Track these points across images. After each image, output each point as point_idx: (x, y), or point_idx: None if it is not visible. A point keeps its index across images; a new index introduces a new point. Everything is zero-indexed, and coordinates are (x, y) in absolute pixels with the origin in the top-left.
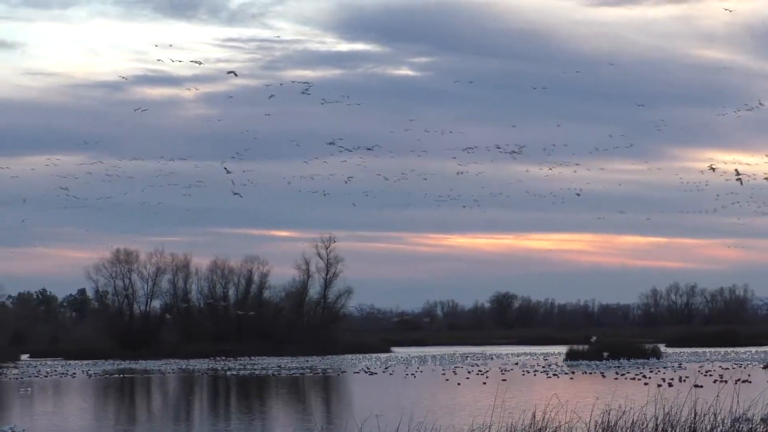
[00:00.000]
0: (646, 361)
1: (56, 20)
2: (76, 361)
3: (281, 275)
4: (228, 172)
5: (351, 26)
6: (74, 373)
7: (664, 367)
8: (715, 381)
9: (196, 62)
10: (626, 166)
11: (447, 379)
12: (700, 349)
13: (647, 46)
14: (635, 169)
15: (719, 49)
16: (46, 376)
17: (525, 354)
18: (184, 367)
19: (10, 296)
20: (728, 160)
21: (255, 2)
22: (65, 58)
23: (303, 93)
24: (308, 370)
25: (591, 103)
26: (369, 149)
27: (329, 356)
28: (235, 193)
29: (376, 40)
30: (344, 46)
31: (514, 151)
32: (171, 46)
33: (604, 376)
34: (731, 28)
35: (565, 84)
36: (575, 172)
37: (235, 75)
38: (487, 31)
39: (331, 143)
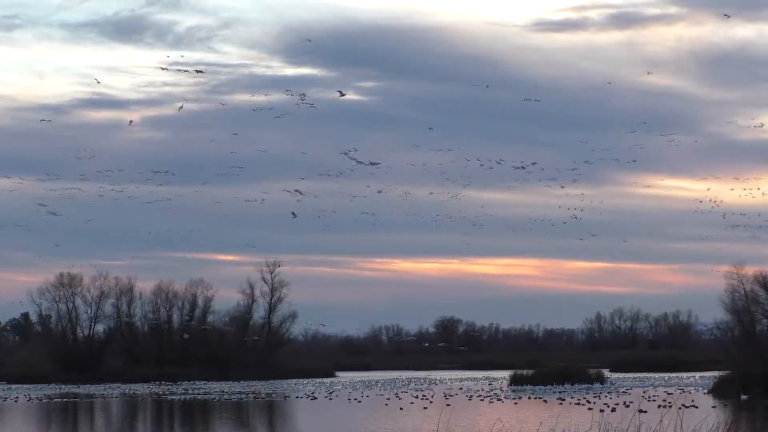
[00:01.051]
0: (590, 386)
1: (1, 43)
2: (19, 385)
3: (226, 299)
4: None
5: (297, 50)
6: (17, 397)
7: (608, 392)
8: (659, 406)
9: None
10: (571, 191)
11: (388, 404)
12: (644, 374)
13: (593, 71)
14: (580, 194)
15: (664, 75)
16: None
17: (470, 379)
18: (127, 391)
19: None
20: (672, 185)
21: (202, 26)
22: (10, 80)
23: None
24: (252, 395)
25: (536, 128)
26: (318, 174)
27: (274, 381)
28: (293, 214)
29: (322, 65)
30: (290, 71)
31: (461, 176)
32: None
33: (546, 402)
34: (676, 53)
35: (511, 109)
36: (520, 196)
37: (181, 107)
38: (434, 55)
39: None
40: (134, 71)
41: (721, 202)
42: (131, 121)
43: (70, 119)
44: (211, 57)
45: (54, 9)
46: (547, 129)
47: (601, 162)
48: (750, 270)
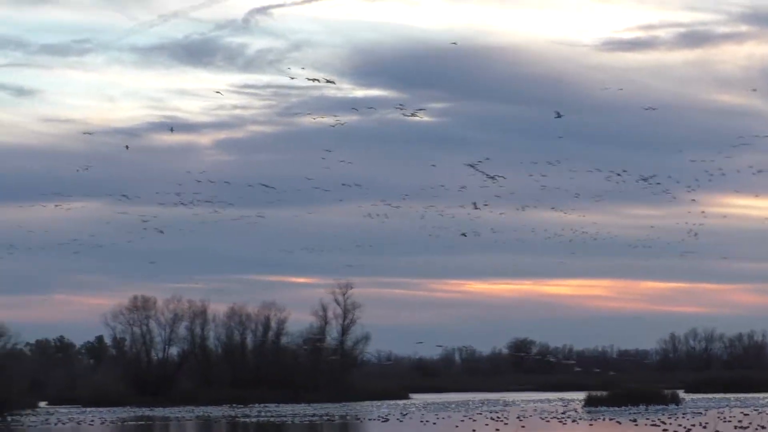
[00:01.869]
0: (665, 407)
1: (73, 67)
2: (94, 408)
3: (299, 321)
4: (476, 207)
5: (367, 72)
6: (92, 421)
7: (684, 414)
8: (735, 427)
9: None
10: (642, 211)
11: (459, 426)
12: (719, 395)
13: (662, 90)
14: (652, 214)
15: (736, 94)
16: (63, 424)
17: (543, 400)
18: (201, 414)
19: (28, 343)
20: (744, 205)
21: (272, 49)
22: (81, 104)
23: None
24: (326, 417)
25: (607, 148)
26: (386, 195)
27: (347, 403)
28: (463, 234)
29: (391, 86)
30: (360, 92)
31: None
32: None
33: (620, 423)
34: (747, 72)
35: (580, 129)
36: (589, 216)
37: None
38: (503, 76)
39: (346, 186)
40: (205, 94)
41: None
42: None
43: (141, 143)
44: (280, 80)
45: (125, 33)
46: (616, 147)
47: (669, 182)
48: None
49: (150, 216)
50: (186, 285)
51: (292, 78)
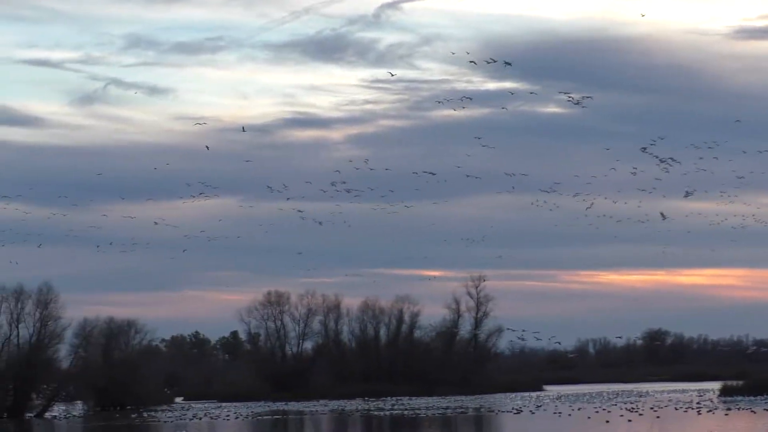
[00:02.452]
0: None
1: (206, 65)
2: (230, 403)
3: (432, 315)
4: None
5: (498, 64)
6: (228, 415)
7: None
8: None
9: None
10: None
11: (593, 417)
12: None
13: None
14: None
15: None
16: (199, 419)
17: (679, 390)
18: (335, 407)
19: (163, 339)
20: None
21: (403, 43)
22: (215, 101)
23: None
24: (460, 410)
25: (740, 137)
26: (514, 188)
27: (480, 396)
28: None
29: (523, 78)
30: (492, 85)
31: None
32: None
33: (754, 413)
34: None
35: (713, 118)
36: (725, 206)
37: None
38: (635, 67)
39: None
40: (336, 90)
41: None
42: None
43: (275, 139)
44: (412, 74)
45: (257, 30)
46: (749, 136)
47: None
48: None
49: (281, 214)
50: (320, 279)
51: (472, 62)
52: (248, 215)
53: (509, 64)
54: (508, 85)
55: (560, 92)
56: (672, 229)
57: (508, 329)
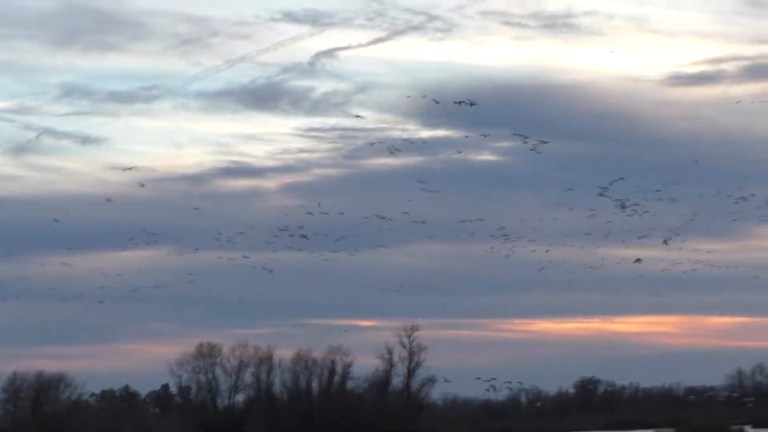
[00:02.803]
0: None
1: (140, 114)
2: None
3: (365, 365)
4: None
5: (432, 113)
6: None
7: None
8: None
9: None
10: (710, 246)
11: None
12: None
13: (730, 124)
14: (718, 249)
15: None
16: None
17: None
18: None
19: (93, 394)
20: None
21: (338, 91)
22: (149, 151)
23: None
24: None
25: (673, 184)
26: (453, 235)
27: None
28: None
29: (458, 126)
30: (426, 133)
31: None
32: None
33: None
34: None
35: (648, 165)
36: (658, 253)
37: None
38: (570, 113)
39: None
40: (271, 138)
41: None
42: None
43: (209, 188)
44: (347, 122)
45: (191, 79)
46: (682, 182)
47: (740, 215)
48: None
49: (216, 261)
50: (252, 330)
51: (435, 101)
52: (181, 265)
53: (474, 104)
54: (443, 132)
55: (514, 134)
56: (606, 276)
57: (477, 378)
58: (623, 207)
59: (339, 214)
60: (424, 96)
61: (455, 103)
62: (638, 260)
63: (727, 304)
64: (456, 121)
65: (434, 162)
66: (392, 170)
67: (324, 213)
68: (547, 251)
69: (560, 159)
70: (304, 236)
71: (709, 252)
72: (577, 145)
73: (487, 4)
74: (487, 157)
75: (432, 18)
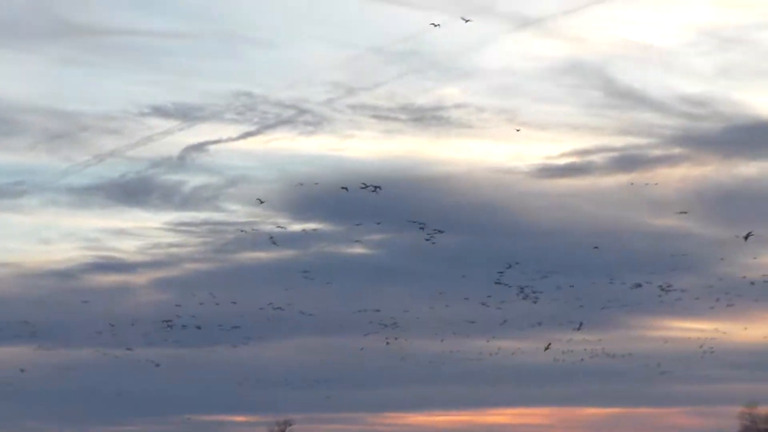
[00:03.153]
0: None
1: (8, 210)
2: None
3: None
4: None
5: (303, 206)
6: None
7: None
8: None
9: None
10: (579, 336)
11: None
12: None
13: (600, 216)
14: (589, 340)
15: (671, 217)
16: None
17: None
18: None
19: None
20: (682, 327)
21: (208, 185)
22: (17, 247)
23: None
24: None
25: (544, 276)
26: (322, 329)
27: None
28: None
29: (328, 219)
30: (297, 226)
31: (468, 326)
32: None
33: None
34: (682, 194)
35: (519, 257)
36: (525, 347)
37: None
38: (440, 205)
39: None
40: (141, 233)
41: (730, 342)
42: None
43: (78, 284)
44: (217, 216)
45: (60, 174)
46: (552, 275)
47: (608, 306)
48: (763, 410)
49: (84, 359)
50: (124, 427)
51: (344, 188)
52: (49, 361)
53: (379, 188)
54: (314, 226)
55: (410, 221)
56: (479, 368)
57: None
58: (523, 294)
59: (215, 305)
60: (301, 184)
61: (361, 187)
62: (548, 347)
63: (602, 394)
64: (326, 214)
65: (307, 255)
66: (263, 264)
67: (201, 304)
68: (420, 344)
69: (438, 249)
70: (170, 325)
71: (575, 343)
72: (451, 237)
73: (356, 98)
74: (359, 250)
75: (302, 112)
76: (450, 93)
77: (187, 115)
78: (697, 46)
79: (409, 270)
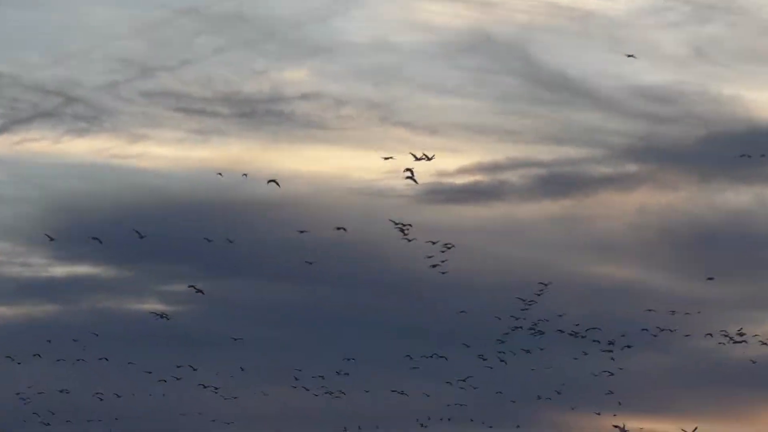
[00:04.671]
0: None
1: None
2: None
3: None
4: None
5: (72, 239)
6: None
7: None
8: None
9: None
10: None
11: None
12: None
13: (515, 258)
14: None
15: (624, 264)
16: None
17: None
18: None
19: None
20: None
21: None
22: None
23: None
24: None
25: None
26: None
27: None
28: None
29: (108, 261)
30: (61, 270)
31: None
32: None
33: None
34: (639, 232)
35: (411, 327)
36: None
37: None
38: (280, 243)
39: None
40: None
41: None
42: None
43: None
44: None
45: None
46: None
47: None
48: None
49: None
50: None
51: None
52: None
53: (144, 236)
54: (85, 270)
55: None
56: None
57: None
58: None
59: None
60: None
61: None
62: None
63: None
64: (106, 253)
65: (75, 311)
66: (14, 322)
67: None
68: None
69: (245, 305)
70: None
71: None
72: (296, 293)
73: (154, 82)
74: (155, 305)
75: (71, 100)
76: (294, 77)
77: None
78: (661, 14)
79: (221, 332)
